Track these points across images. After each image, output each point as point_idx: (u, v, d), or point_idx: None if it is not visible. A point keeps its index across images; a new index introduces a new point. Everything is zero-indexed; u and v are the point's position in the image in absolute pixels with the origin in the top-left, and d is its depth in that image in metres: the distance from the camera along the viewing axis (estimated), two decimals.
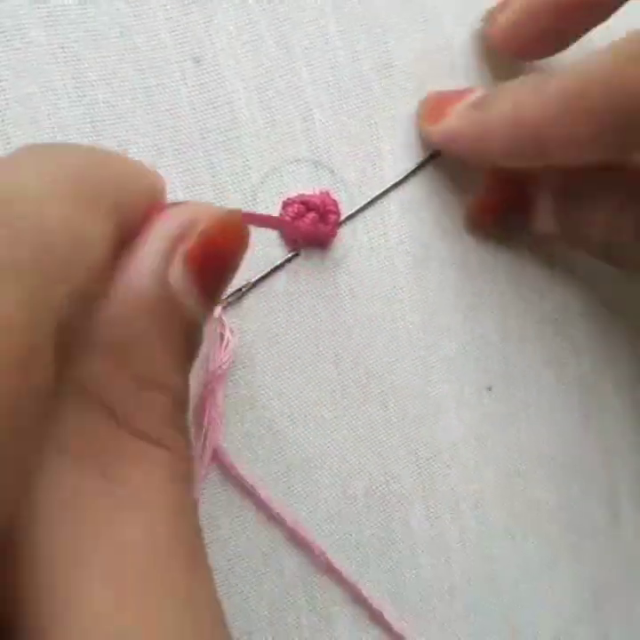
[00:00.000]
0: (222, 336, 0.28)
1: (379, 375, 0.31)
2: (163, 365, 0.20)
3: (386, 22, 0.31)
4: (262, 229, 0.29)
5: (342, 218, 0.30)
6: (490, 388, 0.32)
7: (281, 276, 0.29)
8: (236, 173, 0.29)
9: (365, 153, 0.31)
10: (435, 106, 0.31)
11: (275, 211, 0.29)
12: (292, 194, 0.30)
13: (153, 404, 0.20)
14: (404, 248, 0.31)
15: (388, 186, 0.31)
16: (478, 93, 0.30)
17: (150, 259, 0.20)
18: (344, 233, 0.30)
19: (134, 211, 0.20)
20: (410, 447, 0.31)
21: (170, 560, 0.18)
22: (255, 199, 0.29)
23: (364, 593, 0.30)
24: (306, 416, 0.30)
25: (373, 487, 0.30)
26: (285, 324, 0.29)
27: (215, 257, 0.21)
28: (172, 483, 0.19)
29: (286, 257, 0.29)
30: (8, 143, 0.26)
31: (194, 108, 0.28)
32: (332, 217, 0.30)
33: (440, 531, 0.31)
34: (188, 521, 0.20)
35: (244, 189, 0.29)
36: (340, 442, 0.30)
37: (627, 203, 0.30)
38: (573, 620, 0.34)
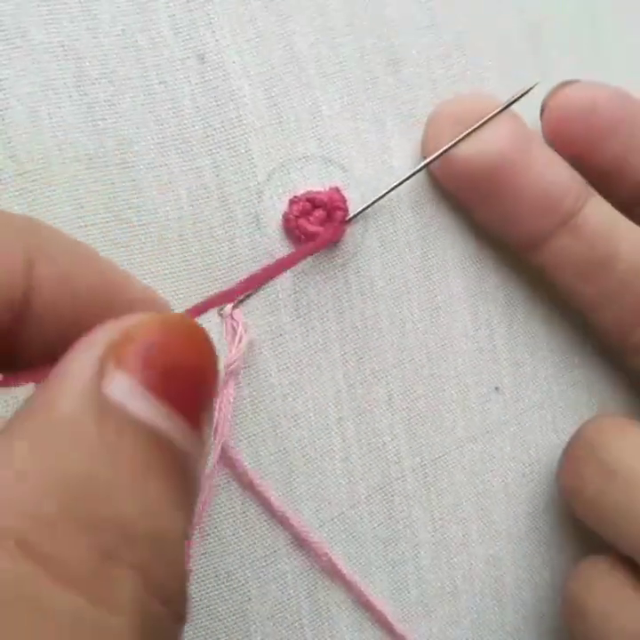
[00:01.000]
0: (235, 331, 0.28)
1: (385, 375, 0.30)
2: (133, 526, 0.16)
3: (394, 17, 0.30)
4: (264, 223, 0.28)
5: (350, 216, 0.29)
6: (497, 389, 0.32)
7: (288, 274, 0.29)
8: (242, 171, 0.28)
9: (375, 150, 0.30)
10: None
11: (281, 208, 0.29)
12: (302, 191, 0.29)
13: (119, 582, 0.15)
14: (414, 246, 0.30)
15: (398, 183, 0.30)
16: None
17: (79, 372, 0.16)
18: (355, 231, 0.30)
19: None
20: (415, 448, 0.31)
21: None
22: (261, 197, 0.29)
23: (367, 594, 0.30)
24: (310, 417, 0.29)
25: (377, 488, 0.30)
26: (291, 323, 0.29)
27: (171, 366, 0.17)
28: None
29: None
30: (8, 143, 0.26)
31: (197, 107, 0.27)
32: (340, 214, 0.29)
33: (444, 532, 0.31)
34: None
35: (250, 188, 0.28)
36: (345, 443, 0.30)
37: None
38: None
